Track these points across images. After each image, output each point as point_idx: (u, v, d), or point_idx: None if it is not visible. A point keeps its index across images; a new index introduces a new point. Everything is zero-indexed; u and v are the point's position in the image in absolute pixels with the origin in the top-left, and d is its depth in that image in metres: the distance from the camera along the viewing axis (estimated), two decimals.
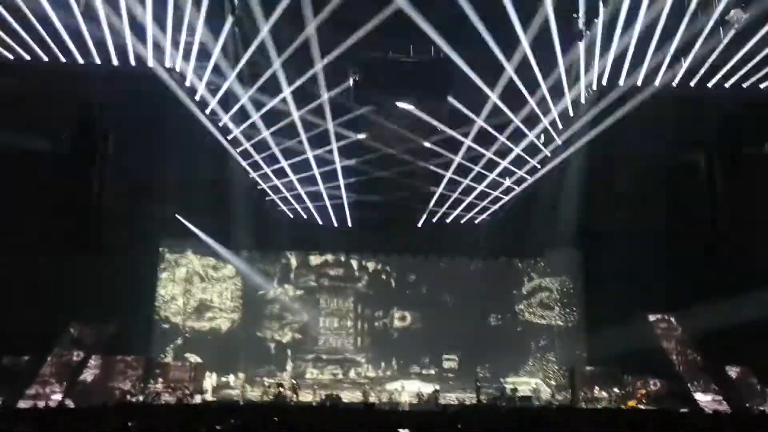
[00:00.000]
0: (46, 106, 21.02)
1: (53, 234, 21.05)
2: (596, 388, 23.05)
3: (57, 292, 20.67)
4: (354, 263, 27.77)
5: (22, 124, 21.02)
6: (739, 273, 21.04)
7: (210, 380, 23.41)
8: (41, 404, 19.39)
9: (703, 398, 21.75)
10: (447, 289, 27.55)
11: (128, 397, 21.54)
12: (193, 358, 25.02)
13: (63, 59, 20.48)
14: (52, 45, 20.02)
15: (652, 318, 24.10)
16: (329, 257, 27.74)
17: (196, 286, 26.66)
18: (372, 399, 22.63)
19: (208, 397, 22.56)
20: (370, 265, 27.82)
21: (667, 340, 23.70)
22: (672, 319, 23.97)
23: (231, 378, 24.38)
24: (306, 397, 22.77)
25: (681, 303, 22.73)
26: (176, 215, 24.54)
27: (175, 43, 20.34)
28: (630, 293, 22.68)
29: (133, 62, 20.70)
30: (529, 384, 24.91)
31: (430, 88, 22.36)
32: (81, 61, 20.55)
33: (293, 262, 27.61)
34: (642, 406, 21.73)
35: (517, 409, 20.62)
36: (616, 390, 22.87)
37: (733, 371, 22.20)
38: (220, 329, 26.45)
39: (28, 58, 20.36)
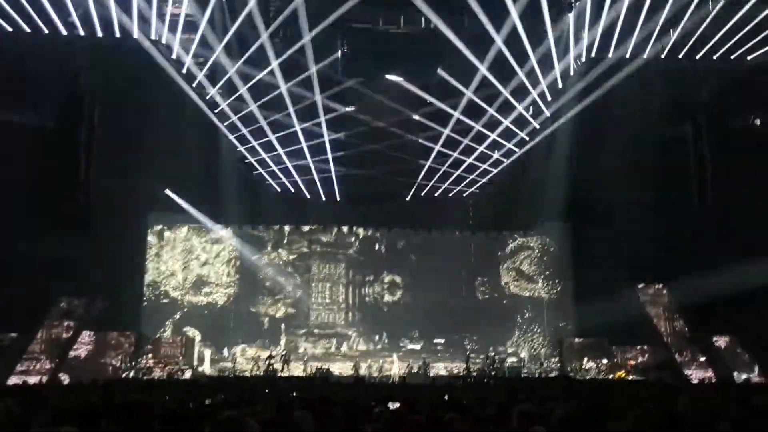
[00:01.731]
0: (29, 79, 20.65)
1: (40, 209, 20.87)
2: (584, 359, 23.29)
3: (45, 268, 20.51)
4: (345, 230, 27.68)
5: (5, 98, 20.69)
6: (727, 244, 21.20)
7: (208, 353, 23.47)
8: (31, 380, 19.40)
9: (690, 368, 22.05)
10: (435, 263, 27.56)
11: (119, 372, 21.58)
12: (192, 332, 25.01)
13: (46, 30, 20.14)
14: (35, 16, 19.67)
15: (640, 289, 24.29)
16: (319, 229, 27.64)
17: (195, 261, 26.59)
18: (362, 372, 22.78)
19: (207, 369, 22.63)
20: (361, 232, 27.74)
21: (655, 311, 23.93)
22: (660, 290, 24.19)
23: (227, 351, 24.42)
24: (297, 370, 22.88)
25: (668, 274, 22.92)
26: (166, 191, 24.29)
27: (161, 15, 20.05)
28: (618, 265, 22.81)
29: (117, 33, 20.37)
30: (517, 355, 25.08)
31: (419, 60, 22.21)
32: (64, 32, 20.22)
33: (286, 228, 27.43)
34: (630, 377, 21.99)
35: (506, 380, 20.83)
36: (604, 361, 23.12)
37: (720, 341, 22.49)
38: (217, 304, 26.45)
39: (9, 29, 20.00)
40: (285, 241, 27.49)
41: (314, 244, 27.52)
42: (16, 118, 21.32)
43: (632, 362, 22.79)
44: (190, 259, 26.55)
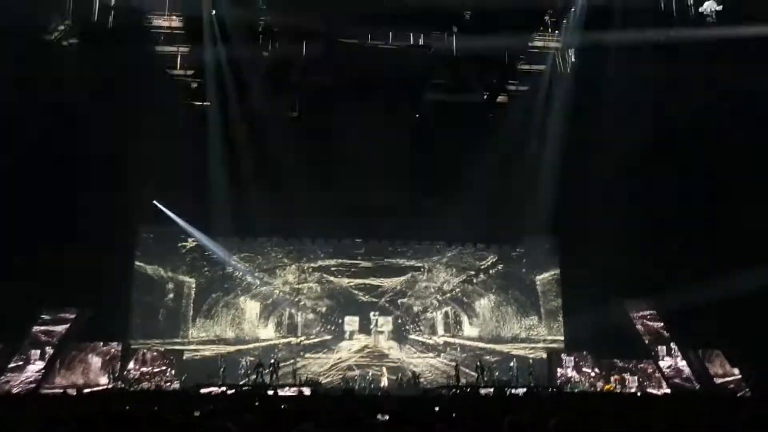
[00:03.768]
0: (19, 85, 20.54)
1: (28, 219, 20.75)
2: (573, 372, 23.34)
3: (33, 278, 20.40)
4: (338, 241, 27.61)
5: None
6: (715, 257, 21.36)
7: None
8: (17, 390, 19.26)
9: (677, 380, 22.17)
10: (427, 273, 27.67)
11: (106, 383, 21.42)
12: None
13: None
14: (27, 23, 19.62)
15: (628, 303, 24.41)
16: (309, 241, 27.58)
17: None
18: (352, 384, 22.76)
19: None
20: (354, 244, 27.67)
21: (643, 324, 24.05)
22: (647, 304, 24.31)
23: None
24: (285, 379, 22.81)
25: (656, 288, 23.05)
26: (154, 202, 24.23)
27: (153, 25, 20.06)
28: (606, 278, 22.93)
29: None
30: (507, 366, 25.00)
31: (408, 75, 22.31)
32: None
33: (277, 239, 27.35)
34: (618, 390, 22.06)
35: (496, 389, 20.85)
36: (592, 374, 23.19)
37: (707, 354, 22.63)
38: None
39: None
40: (277, 253, 27.43)
41: (306, 255, 27.46)
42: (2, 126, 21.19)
43: (620, 375, 22.86)
44: None
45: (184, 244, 26.46)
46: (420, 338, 27.08)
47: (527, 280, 27.44)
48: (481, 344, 26.86)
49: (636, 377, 22.93)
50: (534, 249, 27.60)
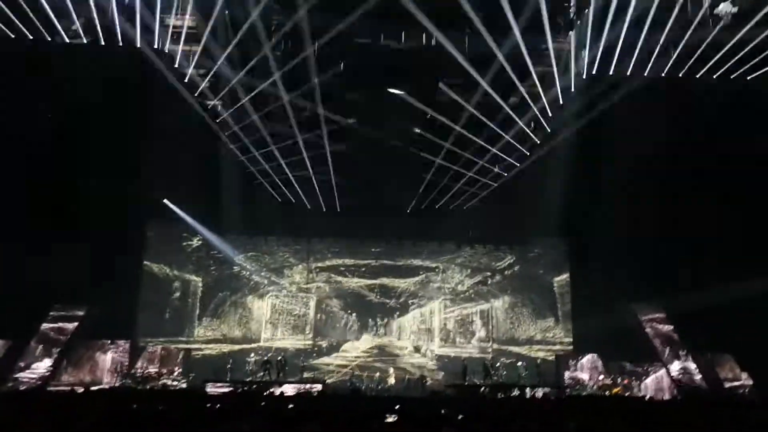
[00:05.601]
0: (30, 85, 20.68)
1: (36, 216, 20.84)
2: (582, 374, 23.22)
3: (41, 275, 20.47)
4: (345, 241, 27.64)
5: (4, 103, 20.69)
6: (722, 262, 21.23)
7: None
8: (25, 387, 19.34)
9: (685, 384, 22.02)
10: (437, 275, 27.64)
11: (113, 381, 21.48)
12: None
13: (48, 38, 20.20)
14: (37, 23, 19.74)
15: (636, 306, 24.29)
16: (318, 241, 27.62)
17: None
18: (359, 384, 22.74)
19: None
20: (361, 244, 27.69)
21: (652, 328, 23.91)
22: (657, 308, 24.18)
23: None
24: (292, 378, 22.84)
25: (665, 291, 22.93)
26: (164, 201, 24.31)
27: (164, 25, 20.12)
28: (615, 281, 22.83)
29: (120, 43, 20.45)
30: (515, 368, 24.93)
31: (421, 74, 22.30)
32: (67, 40, 20.29)
33: (285, 239, 27.43)
34: (626, 393, 21.94)
35: (502, 389, 20.77)
36: (600, 377, 23.07)
37: (715, 357, 22.49)
38: None
39: (12, 35, 20.05)
40: (284, 252, 27.49)
41: (313, 255, 27.52)
42: (13, 124, 21.31)
43: (628, 379, 22.74)
44: None
45: (189, 243, 26.58)
46: (431, 339, 27.04)
47: (544, 281, 27.33)
48: (495, 346, 26.80)
49: (645, 381, 22.79)
50: (551, 250, 27.49)
